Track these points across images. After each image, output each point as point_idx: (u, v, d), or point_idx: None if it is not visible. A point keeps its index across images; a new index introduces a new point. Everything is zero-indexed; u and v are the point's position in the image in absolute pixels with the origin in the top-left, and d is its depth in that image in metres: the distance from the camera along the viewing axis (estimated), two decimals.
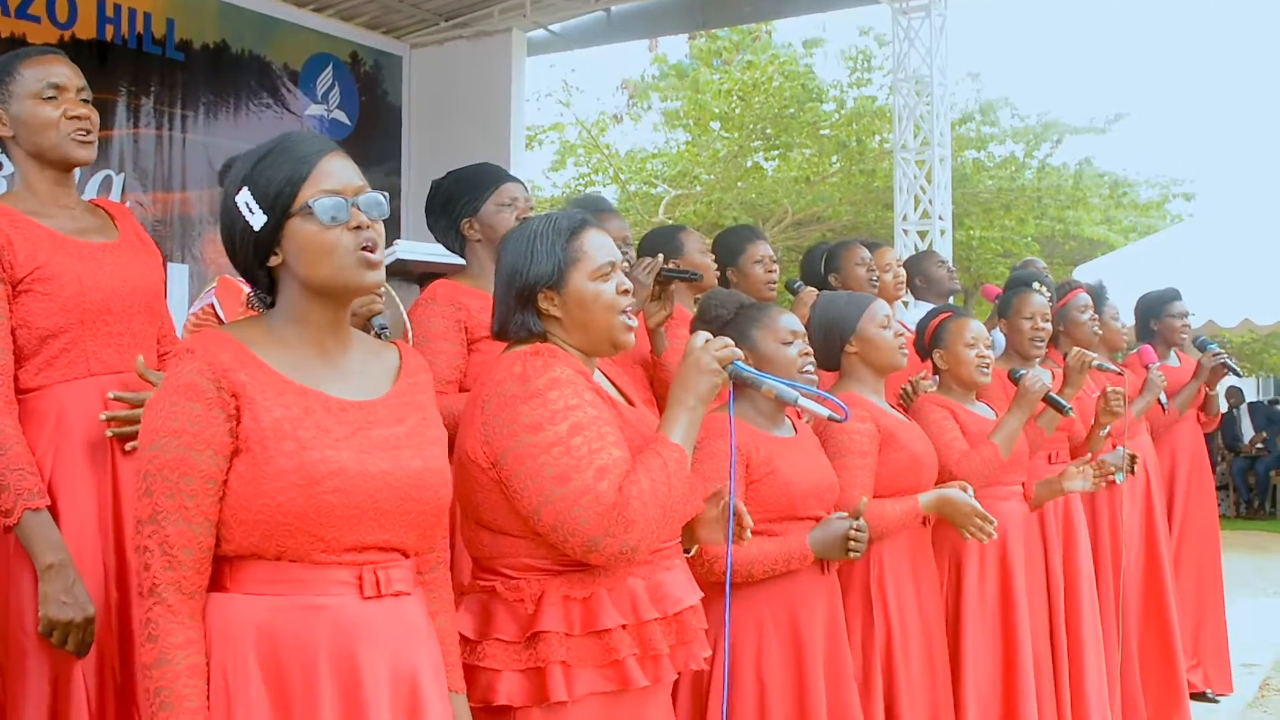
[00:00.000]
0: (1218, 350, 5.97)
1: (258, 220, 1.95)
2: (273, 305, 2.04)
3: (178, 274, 7.00)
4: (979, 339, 4.10)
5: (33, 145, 2.72)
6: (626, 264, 2.66)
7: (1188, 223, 14.24)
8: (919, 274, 5.86)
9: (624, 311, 2.46)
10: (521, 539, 2.34)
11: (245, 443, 1.89)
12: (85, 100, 2.77)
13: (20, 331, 2.62)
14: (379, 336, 2.79)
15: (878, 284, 4.90)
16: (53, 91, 2.70)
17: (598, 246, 2.46)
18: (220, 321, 3.28)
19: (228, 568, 1.92)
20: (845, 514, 3.11)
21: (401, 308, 3.44)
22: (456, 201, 3.50)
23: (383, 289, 2.49)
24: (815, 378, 3.24)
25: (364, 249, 1.97)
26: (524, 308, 2.45)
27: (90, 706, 2.59)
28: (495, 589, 2.38)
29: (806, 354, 3.22)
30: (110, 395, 2.67)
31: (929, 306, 5.29)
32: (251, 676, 1.87)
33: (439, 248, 4.07)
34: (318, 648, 1.89)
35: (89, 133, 2.75)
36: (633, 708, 2.38)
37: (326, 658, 1.89)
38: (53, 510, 2.57)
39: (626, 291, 2.47)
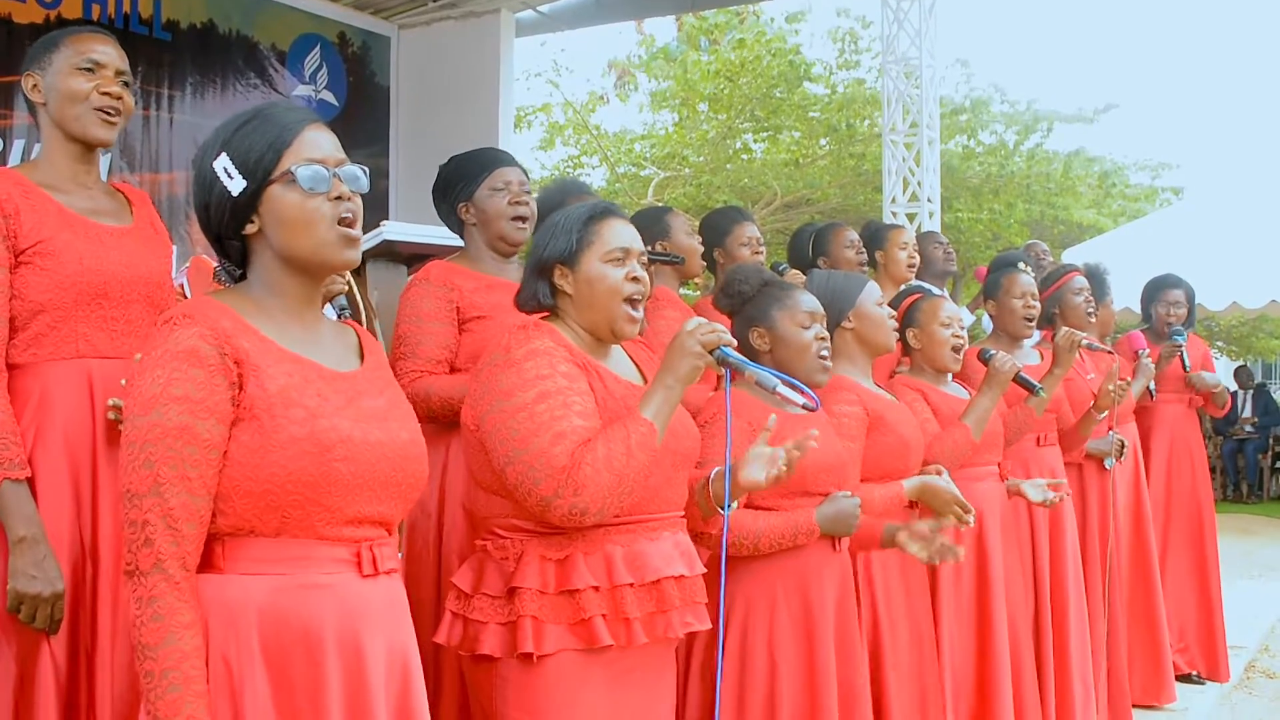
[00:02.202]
0: (1179, 342, 5.99)
1: (236, 185, 1.92)
2: (242, 278, 2.02)
3: None
4: (953, 319, 4.10)
5: (59, 115, 2.73)
6: None
7: (1177, 206, 14.26)
8: None
9: (629, 300, 2.55)
10: (508, 499, 2.46)
11: (249, 410, 1.86)
12: (125, 84, 2.78)
13: (14, 303, 2.61)
14: (339, 317, 2.79)
15: (866, 267, 4.90)
16: (90, 65, 2.72)
17: (615, 233, 2.58)
18: None
19: (220, 546, 1.88)
20: (849, 492, 3.17)
21: (356, 292, 3.43)
22: (454, 186, 3.52)
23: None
24: (830, 364, 3.25)
25: (344, 221, 1.95)
26: (539, 278, 2.60)
27: (59, 686, 2.56)
28: (488, 548, 2.52)
29: (823, 339, 3.24)
30: (123, 382, 2.63)
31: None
32: (255, 662, 1.84)
33: (426, 229, 4.07)
34: (324, 629, 1.87)
35: (116, 114, 2.76)
36: (611, 672, 2.46)
37: (333, 639, 1.87)
38: (30, 488, 2.55)
39: (636, 280, 2.56)
